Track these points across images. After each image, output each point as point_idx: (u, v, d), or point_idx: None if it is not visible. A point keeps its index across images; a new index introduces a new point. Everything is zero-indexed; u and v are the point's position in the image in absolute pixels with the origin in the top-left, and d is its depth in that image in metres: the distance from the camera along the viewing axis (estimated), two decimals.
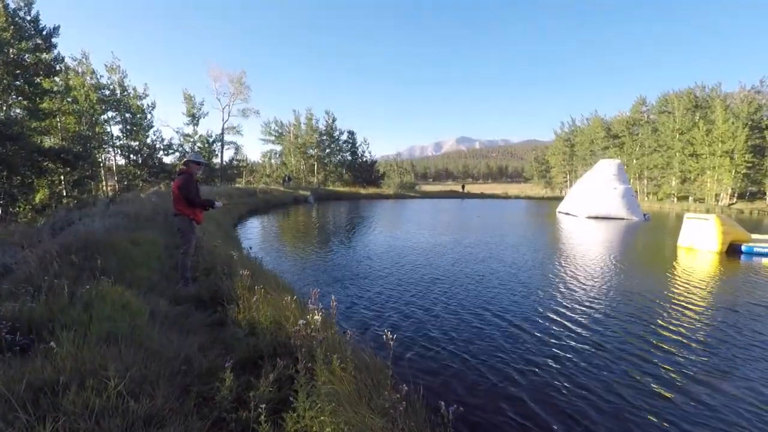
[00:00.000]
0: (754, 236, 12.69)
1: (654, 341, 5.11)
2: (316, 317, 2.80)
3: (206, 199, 5.54)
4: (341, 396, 2.42)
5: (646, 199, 49.16)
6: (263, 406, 2.19)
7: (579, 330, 5.46)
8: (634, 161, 54.33)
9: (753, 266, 10.41)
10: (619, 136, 59.38)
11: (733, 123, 41.95)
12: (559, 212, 28.53)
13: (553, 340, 5.08)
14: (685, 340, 5.17)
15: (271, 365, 2.84)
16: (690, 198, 47.45)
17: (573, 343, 4.99)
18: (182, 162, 5.83)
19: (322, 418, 2.21)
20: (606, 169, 26.95)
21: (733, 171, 42.21)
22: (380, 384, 2.72)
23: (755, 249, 11.97)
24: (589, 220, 23.84)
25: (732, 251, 12.15)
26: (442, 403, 2.23)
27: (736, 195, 44.99)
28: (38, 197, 21.11)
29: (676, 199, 48.55)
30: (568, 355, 4.65)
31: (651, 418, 3.44)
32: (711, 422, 3.42)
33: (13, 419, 1.95)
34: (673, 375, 4.22)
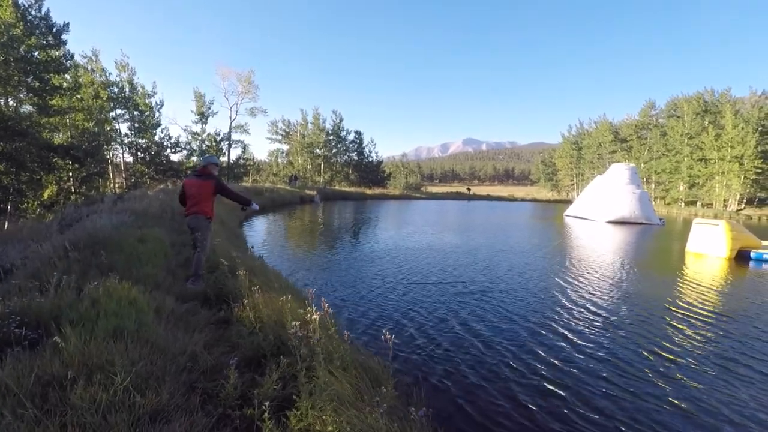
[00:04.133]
0: (765, 243, 12.51)
1: (666, 353, 5.08)
2: (314, 317, 2.81)
3: (244, 196, 5.59)
4: (343, 395, 2.43)
5: (653, 203, 48.68)
6: (267, 403, 2.20)
7: (592, 334, 5.44)
8: (642, 165, 53.81)
9: (762, 273, 10.29)
10: (628, 140, 58.91)
11: (743, 128, 41.45)
12: (568, 216, 28.05)
13: (561, 344, 5.07)
14: (694, 349, 5.13)
15: (275, 363, 2.86)
16: (698, 203, 46.97)
17: (583, 347, 4.97)
18: (201, 164, 5.92)
19: (324, 416, 2.22)
20: (620, 173, 26.71)
21: (743, 176, 41.71)
22: (380, 383, 2.73)
23: (765, 256, 11.79)
24: (608, 224, 23.48)
25: (741, 258, 12.02)
26: (412, 408, 2.33)
27: (744, 201, 44.47)
28: (47, 193, 21.31)
29: (683, 203, 48.09)
30: (575, 358, 4.62)
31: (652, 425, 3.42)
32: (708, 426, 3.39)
33: (22, 413, 1.97)
34: (678, 384, 4.19)
